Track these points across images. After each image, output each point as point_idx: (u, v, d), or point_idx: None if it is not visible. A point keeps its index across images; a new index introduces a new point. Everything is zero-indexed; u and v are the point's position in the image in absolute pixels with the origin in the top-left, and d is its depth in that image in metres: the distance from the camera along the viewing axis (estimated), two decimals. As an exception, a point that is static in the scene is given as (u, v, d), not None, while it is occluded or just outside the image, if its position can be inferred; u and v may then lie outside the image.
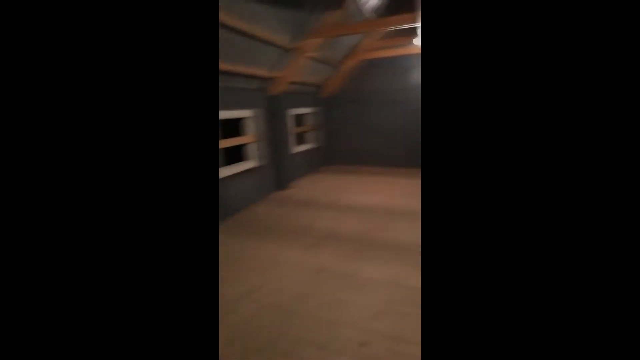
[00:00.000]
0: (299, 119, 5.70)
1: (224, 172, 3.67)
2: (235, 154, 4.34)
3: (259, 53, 3.60)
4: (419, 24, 3.30)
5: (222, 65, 3.19)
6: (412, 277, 2.16)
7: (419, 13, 3.03)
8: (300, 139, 5.80)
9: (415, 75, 5.27)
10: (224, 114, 3.61)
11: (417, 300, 1.90)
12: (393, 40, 5.09)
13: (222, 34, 2.87)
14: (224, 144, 3.63)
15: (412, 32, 4.18)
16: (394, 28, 3.52)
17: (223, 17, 2.67)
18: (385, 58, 5.31)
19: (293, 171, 5.11)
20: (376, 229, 3.06)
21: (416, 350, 1.53)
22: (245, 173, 4.04)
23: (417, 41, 4.15)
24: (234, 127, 4.18)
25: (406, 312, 1.81)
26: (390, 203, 3.83)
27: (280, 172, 4.66)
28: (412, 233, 2.88)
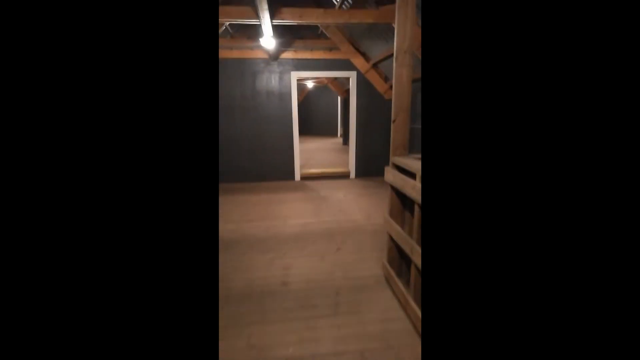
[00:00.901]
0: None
1: None
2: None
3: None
4: (259, 21, 2.89)
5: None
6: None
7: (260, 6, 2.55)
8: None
9: (264, 80, 4.71)
10: None
11: None
12: (238, 40, 4.53)
13: None
14: None
15: (254, 32, 3.62)
16: (234, 21, 3.06)
17: None
18: (229, 59, 4.57)
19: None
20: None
21: None
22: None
23: (265, 43, 3.64)
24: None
25: None
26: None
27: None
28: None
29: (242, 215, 3.47)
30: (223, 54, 4.48)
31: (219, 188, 4.65)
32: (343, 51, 4.56)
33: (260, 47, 4.42)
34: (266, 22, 3.04)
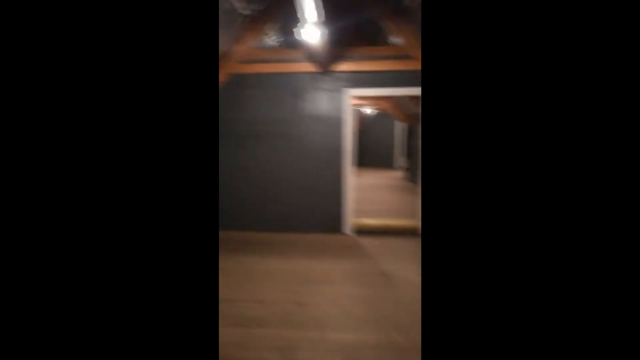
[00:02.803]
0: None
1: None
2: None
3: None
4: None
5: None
6: None
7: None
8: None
9: (310, 101, 3.56)
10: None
11: None
12: (278, 51, 3.51)
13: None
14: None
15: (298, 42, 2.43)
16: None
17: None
18: (267, 74, 3.57)
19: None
20: None
21: None
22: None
23: (307, 35, 2.56)
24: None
25: None
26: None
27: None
28: None
29: (244, 303, 2.17)
30: (257, 68, 3.48)
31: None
32: (417, 58, 3.23)
33: (305, 60, 3.31)
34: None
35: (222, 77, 3.60)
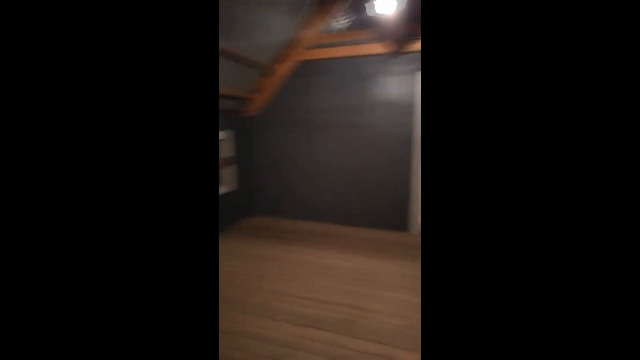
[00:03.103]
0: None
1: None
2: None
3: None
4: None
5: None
6: None
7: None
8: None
9: (379, 86, 3.24)
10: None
11: None
12: (346, 34, 3.23)
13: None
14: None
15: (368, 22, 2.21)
16: None
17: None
18: (334, 59, 3.34)
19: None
20: None
21: None
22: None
23: (380, 7, 2.17)
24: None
25: None
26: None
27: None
28: None
29: (299, 299, 2.06)
30: (324, 53, 3.30)
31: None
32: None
33: (375, 40, 3.01)
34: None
35: (288, 65, 3.53)
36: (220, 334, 1.77)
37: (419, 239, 3.19)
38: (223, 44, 2.63)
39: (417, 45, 2.98)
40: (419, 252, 2.86)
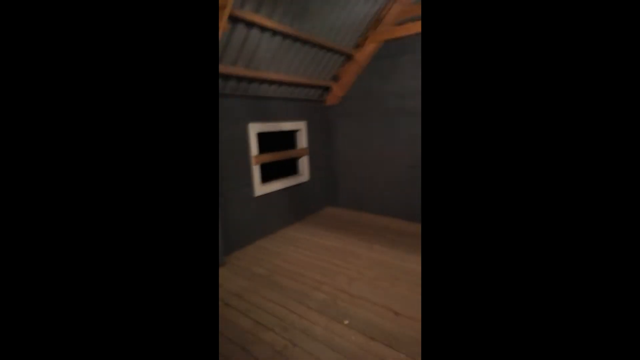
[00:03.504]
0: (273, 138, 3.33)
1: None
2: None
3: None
4: None
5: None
6: None
7: None
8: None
9: None
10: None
11: None
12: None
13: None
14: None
15: None
16: None
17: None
18: (418, 35, 2.94)
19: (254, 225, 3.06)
20: None
21: None
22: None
23: None
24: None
25: None
26: None
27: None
28: None
29: (377, 307, 1.83)
30: (410, 29, 2.91)
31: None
32: None
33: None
34: None
35: (369, 49, 3.25)
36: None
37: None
38: (297, 29, 2.53)
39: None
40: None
